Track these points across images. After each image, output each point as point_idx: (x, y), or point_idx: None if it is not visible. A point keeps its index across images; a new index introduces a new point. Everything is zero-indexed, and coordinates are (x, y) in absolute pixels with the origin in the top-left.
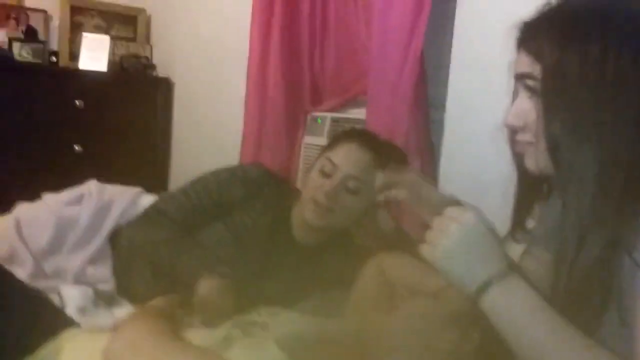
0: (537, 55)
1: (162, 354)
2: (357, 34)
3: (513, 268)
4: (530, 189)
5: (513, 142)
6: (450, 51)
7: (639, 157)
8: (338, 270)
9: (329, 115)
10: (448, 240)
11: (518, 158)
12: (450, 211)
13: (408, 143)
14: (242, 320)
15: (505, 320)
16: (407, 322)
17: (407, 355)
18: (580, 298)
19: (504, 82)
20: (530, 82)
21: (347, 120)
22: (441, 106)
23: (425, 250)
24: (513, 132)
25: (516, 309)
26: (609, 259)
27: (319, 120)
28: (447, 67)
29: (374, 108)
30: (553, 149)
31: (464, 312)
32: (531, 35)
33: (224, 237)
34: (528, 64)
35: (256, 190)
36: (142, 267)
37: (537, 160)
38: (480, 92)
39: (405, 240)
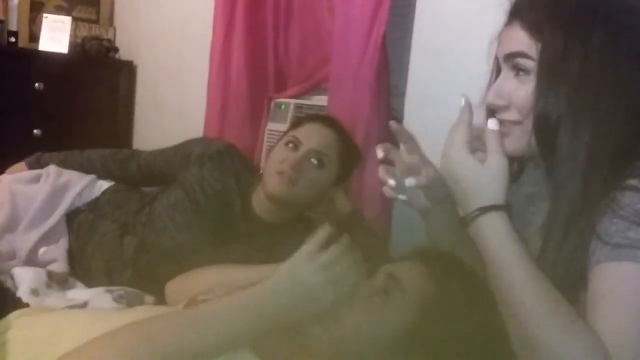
0: (536, 32)
1: None
2: (322, 21)
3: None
4: None
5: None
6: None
7: (624, 143)
8: (295, 251)
9: (292, 101)
10: (501, 156)
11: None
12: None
13: (370, 130)
14: None
15: (495, 244)
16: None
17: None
18: (560, 280)
19: (463, 70)
20: (522, 61)
21: (311, 107)
22: (402, 94)
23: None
24: (491, 111)
25: (509, 238)
26: (588, 240)
27: (283, 107)
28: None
29: (337, 95)
30: (545, 129)
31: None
32: (528, 9)
33: (182, 201)
34: (521, 41)
35: (217, 156)
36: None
37: (520, 141)
38: (440, 80)
39: (360, 222)
